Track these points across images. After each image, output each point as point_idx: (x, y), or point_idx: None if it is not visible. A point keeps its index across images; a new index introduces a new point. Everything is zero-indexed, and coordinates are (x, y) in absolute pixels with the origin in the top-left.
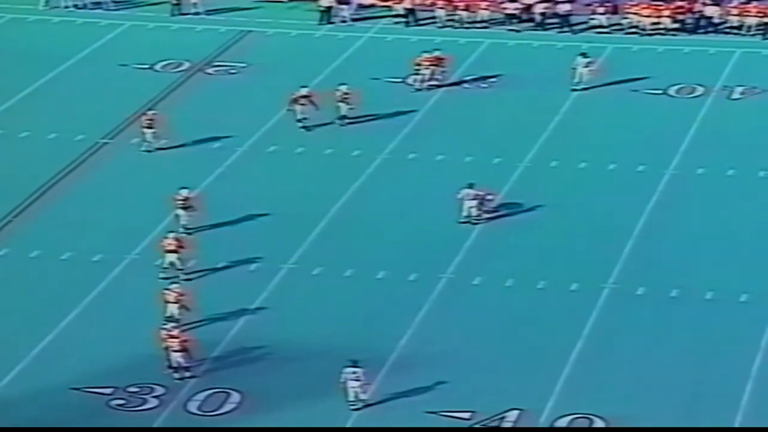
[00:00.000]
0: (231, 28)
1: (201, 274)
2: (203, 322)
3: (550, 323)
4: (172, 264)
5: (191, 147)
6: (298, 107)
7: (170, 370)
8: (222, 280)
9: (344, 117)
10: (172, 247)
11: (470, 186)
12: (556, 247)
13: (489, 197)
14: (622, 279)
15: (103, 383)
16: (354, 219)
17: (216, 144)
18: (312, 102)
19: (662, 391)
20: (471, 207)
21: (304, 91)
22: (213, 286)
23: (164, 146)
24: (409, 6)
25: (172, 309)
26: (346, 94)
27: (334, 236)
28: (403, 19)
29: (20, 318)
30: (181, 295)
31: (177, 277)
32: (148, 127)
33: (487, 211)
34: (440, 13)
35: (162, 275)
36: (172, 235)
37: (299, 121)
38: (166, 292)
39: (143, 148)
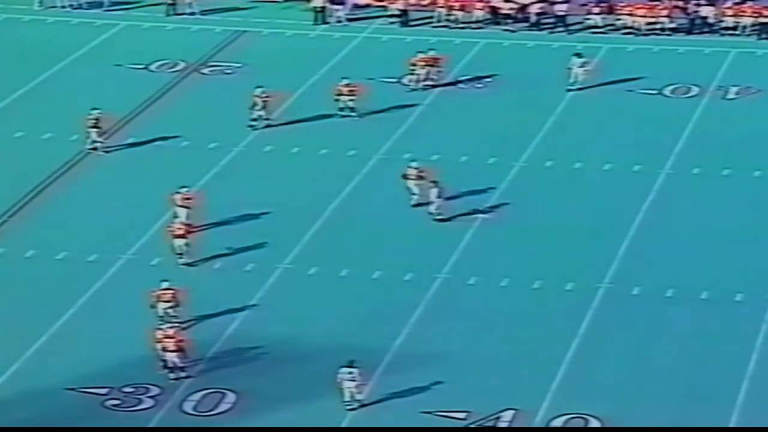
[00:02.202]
0: (226, 29)
1: (197, 273)
2: (199, 322)
3: (545, 323)
4: (181, 251)
5: (187, 147)
6: (257, 107)
7: (165, 371)
8: (218, 280)
9: (345, 108)
10: (181, 232)
11: (435, 183)
12: (551, 246)
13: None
14: (618, 279)
15: (99, 383)
16: (350, 219)
17: (212, 144)
18: (265, 102)
19: (658, 391)
20: (438, 206)
21: (258, 92)
22: (209, 285)
23: (110, 147)
24: (402, 7)
25: (165, 308)
26: (348, 86)
27: (329, 236)
28: (398, 19)
29: (15, 318)
30: (175, 293)
31: (188, 263)
32: (93, 127)
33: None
34: (437, 12)
35: (180, 261)
36: (178, 220)
37: (254, 120)
38: (161, 292)
39: (87, 146)
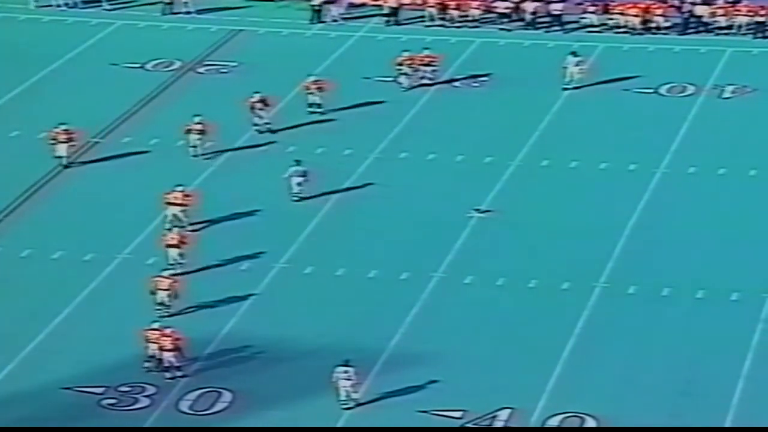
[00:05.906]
0: (222, 27)
1: (193, 272)
2: (195, 321)
3: (541, 322)
4: (174, 260)
5: (182, 146)
6: (256, 113)
7: (158, 371)
8: (214, 279)
9: (312, 105)
10: (174, 242)
11: (297, 163)
12: (547, 246)
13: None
14: (614, 278)
15: (95, 383)
16: (346, 218)
17: (207, 143)
18: (263, 107)
19: (653, 390)
20: (298, 184)
21: (257, 97)
22: (205, 284)
23: (78, 160)
24: (394, 5)
25: (163, 296)
26: (316, 83)
27: (325, 235)
28: (389, 18)
29: (11, 317)
30: (174, 282)
31: (178, 272)
32: (54, 140)
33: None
34: (432, 11)
35: (170, 272)
36: (176, 230)
37: (256, 125)
38: (158, 279)
39: (63, 163)
